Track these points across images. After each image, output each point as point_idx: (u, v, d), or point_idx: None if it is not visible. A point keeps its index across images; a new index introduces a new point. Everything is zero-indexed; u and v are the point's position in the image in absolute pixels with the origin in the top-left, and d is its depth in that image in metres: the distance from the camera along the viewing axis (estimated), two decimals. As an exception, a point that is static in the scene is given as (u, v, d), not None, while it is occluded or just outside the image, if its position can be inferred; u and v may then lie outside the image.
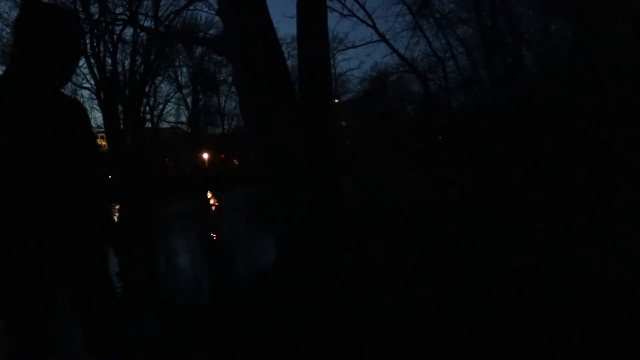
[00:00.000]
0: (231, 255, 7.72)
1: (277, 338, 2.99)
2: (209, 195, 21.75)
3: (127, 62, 26.87)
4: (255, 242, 8.19)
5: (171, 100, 33.60)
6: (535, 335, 2.63)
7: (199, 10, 33.43)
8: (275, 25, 5.93)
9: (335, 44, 21.96)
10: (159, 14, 22.12)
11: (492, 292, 3.42)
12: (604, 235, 4.37)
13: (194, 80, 33.06)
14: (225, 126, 37.53)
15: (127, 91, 26.84)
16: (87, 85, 25.77)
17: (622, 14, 9.09)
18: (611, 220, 4.86)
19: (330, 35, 9.60)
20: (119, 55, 26.07)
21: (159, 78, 30.38)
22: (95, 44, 24.05)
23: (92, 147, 1.78)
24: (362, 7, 16.65)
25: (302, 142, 5.43)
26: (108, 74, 25.52)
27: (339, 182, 6.16)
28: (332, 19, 23.35)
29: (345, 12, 15.12)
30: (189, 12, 19.13)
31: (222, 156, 37.02)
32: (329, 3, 9.06)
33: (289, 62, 8.89)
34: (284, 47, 10.76)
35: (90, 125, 1.83)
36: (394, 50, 15.57)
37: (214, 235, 10.25)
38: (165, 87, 42.14)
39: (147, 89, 28.56)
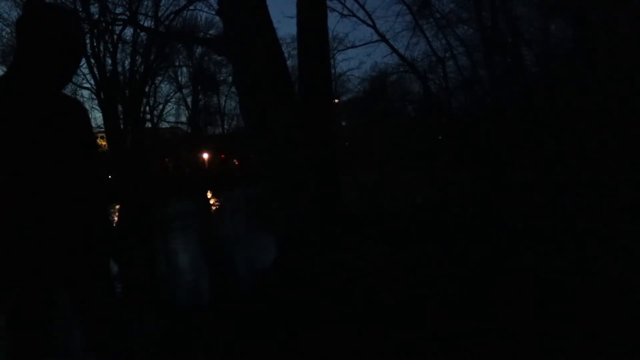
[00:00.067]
0: (231, 255, 7.73)
1: (277, 338, 2.98)
2: (209, 195, 21.76)
3: (127, 62, 26.92)
4: (255, 242, 8.20)
5: (171, 100, 33.72)
6: (535, 335, 2.63)
7: (199, 10, 33.34)
8: (275, 25, 5.94)
9: (335, 44, 21.96)
10: (159, 14, 22.09)
11: (492, 292, 3.42)
12: (604, 235, 4.37)
13: (194, 80, 33.09)
14: (225, 126, 37.63)
15: (127, 91, 26.82)
16: (87, 85, 25.83)
17: (622, 14, 9.08)
18: (611, 220, 4.86)
19: (330, 35, 9.64)
20: (119, 55, 26.12)
21: (159, 78, 30.47)
22: (95, 44, 24.01)
23: (92, 147, 1.78)
24: (362, 7, 16.61)
25: (302, 142, 5.43)
26: (108, 74, 25.50)
27: (339, 182, 6.16)
28: (332, 19, 23.48)
29: (345, 12, 15.07)
30: (189, 12, 19.09)
31: (222, 156, 37.04)
32: (329, 3, 9.07)
33: (289, 62, 8.88)
34: (284, 47, 10.77)
35: (91, 126, 1.83)
36: (394, 50, 15.54)
37: (214, 235, 10.25)
38: (165, 87, 42.38)
39: (147, 89, 28.58)
